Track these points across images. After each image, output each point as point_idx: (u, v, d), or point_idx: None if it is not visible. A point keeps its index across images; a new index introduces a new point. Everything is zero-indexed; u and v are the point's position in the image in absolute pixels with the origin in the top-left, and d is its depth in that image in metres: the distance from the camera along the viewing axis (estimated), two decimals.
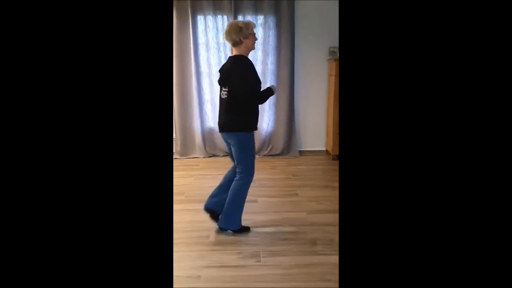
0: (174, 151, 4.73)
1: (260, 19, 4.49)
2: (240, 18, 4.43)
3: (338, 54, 4.53)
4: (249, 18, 4.45)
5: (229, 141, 2.55)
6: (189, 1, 4.33)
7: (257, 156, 4.63)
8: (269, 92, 2.53)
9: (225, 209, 2.58)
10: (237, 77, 2.39)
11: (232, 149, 2.55)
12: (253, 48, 2.49)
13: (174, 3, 4.31)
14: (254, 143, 2.61)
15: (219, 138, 4.78)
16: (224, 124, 2.50)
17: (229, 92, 2.44)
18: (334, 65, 4.32)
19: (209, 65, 4.59)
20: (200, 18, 4.47)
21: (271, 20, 4.45)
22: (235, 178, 2.59)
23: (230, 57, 2.53)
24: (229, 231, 2.64)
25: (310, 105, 4.80)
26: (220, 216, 2.63)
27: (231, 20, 4.39)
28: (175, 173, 4.05)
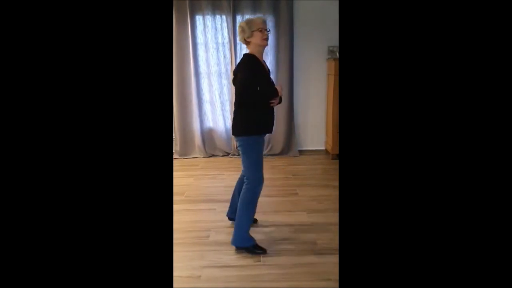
0: (173, 151, 4.73)
1: None
2: (238, 18, 4.43)
3: (337, 53, 4.53)
4: (248, 17, 4.44)
5: (237, 144, 2.38)
6: (187, 1, 4.33)
7: None
8: (272, 93, 2.30)
9: (235, 223, 2.41)
10: (239, 76, 2.25)
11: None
12: (263, 44, 2.30)
13: (173, 3, 4.31)
14: (260, 148, 2.36)
15: (218, 138, 4.78)
16: (232, 126, 2.38)
17: (235, 92, 2.29)
18: (333, 64, 4.32)
19: (208, 65, 4.58)
20: (198, 18, 4.47)
21: (270, 20, 4.44)
22: (244, 186, 2.39)
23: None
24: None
25: (310, 104, 4.80)
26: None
27: (230, 20, 4.40)
28: (175, 173, 4.05)
